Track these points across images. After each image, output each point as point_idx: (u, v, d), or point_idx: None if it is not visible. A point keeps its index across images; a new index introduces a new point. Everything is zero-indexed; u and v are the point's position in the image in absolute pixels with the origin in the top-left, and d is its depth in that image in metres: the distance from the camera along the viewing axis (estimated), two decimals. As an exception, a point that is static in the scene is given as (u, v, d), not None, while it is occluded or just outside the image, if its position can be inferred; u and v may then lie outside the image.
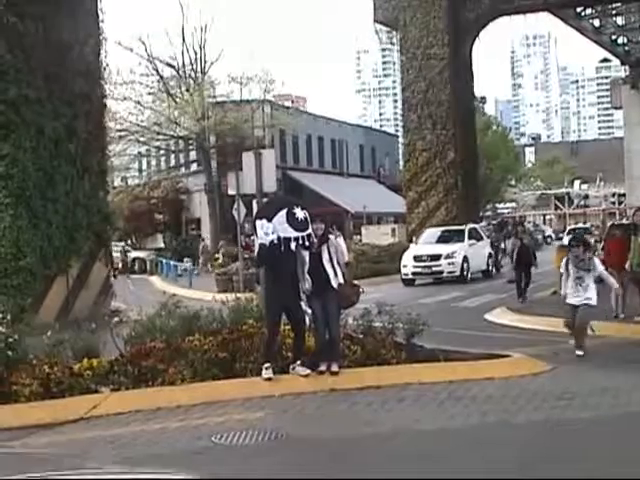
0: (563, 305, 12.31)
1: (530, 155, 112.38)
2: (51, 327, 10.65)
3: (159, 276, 38.55)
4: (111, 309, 18.18)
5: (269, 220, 9.76)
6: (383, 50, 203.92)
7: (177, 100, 45.40)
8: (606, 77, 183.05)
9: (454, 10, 37.26)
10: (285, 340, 10.26)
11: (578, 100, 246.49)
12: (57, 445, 7.86)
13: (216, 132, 45.33)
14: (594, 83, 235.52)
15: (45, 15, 17.00)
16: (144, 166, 57.69)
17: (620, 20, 49.72)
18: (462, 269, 27.88)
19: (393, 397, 9.11)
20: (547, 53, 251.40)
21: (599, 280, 12.43)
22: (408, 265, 28.20)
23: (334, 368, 9.87)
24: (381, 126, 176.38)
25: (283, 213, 9.74)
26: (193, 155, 51.11)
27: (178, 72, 47.16)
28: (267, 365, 9.63)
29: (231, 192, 24.36)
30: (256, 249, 10.66)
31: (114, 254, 35.38)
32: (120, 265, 40.69)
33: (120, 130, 43.03)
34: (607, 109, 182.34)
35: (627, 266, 15.28)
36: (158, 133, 47.36)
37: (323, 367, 9.91)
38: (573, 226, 57.31)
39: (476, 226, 32.34)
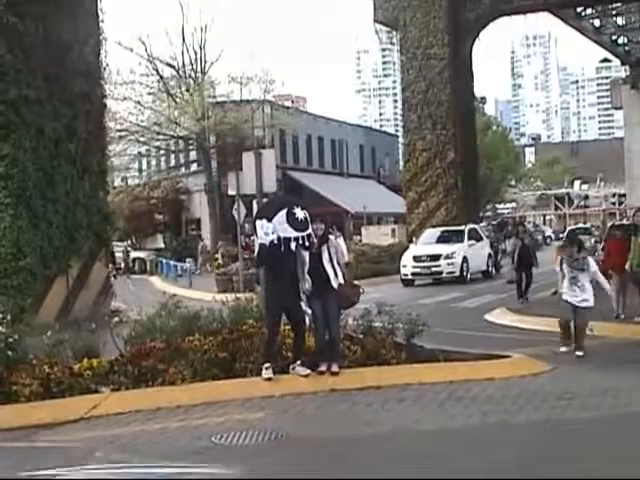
0: (559, 302, 12.34)
1: (530, 155, 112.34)
2: (51, 327, 10.65)
3: (159, 276, 38.56)
4: (111, 309, 18.18)
5: (269, 220, 9.76)
6: (383, 50, 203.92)
7: (177, 100, 45.40)
8: (606, 77, 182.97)
9: (454, 10, 37.26)
10: (285, 340, 10.25)
11: (578, 100, 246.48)
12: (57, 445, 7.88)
13: (216, 132, 45.33)
14: (594, 83, 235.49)
15: (45, 15, 17.00)
16: (144, 166, 57.68)
17: (620, 20, 49.74)
18: (462, 269, 27.88)
19: (393, 397, 9.10)
20: (547, 53, 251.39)
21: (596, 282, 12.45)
22: (408, 265, 28.20)
23: (334, 368, 9.87)
24: (381, 126, 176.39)
25: (283, 213, 9.74)
26: (193, 155, 51.11)
27: (178, 72, 47.16)
28: (267, 365, 9.63)
29: (231, 192, 24.40)
30: (256, 249, 10.65)
31: (116, 254, 35.59)
32: (122, 265, 40.74)
33: (120, 130, 43.02)
34: (607, 109, 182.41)
35: (627, 267, 15.30)
36: (158, 133, 47.36)
37: (323, 367, 9.90)
38: (573, 226, 57.42)
39: (476, 226, 32.34)
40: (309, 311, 10.01)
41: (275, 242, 9.66)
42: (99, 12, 19.10)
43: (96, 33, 18.98)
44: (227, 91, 47.14)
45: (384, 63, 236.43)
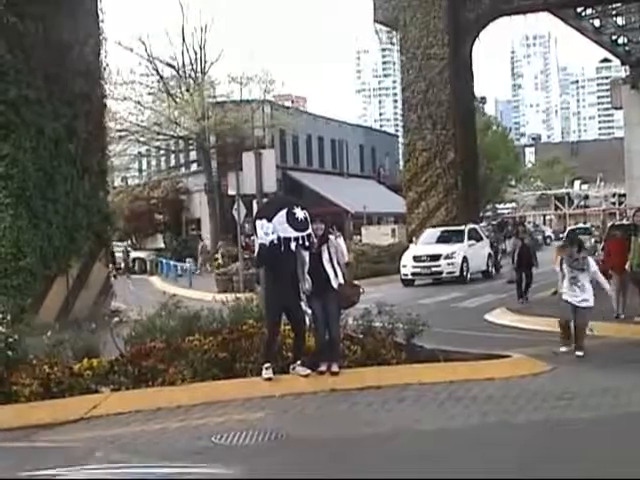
0: (559, 302, 12.34)
1: (530, 155, 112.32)
2: (51, 327, 10.64)
3: (159, 276, 38.57)
4: (111, 309, 18.18)
5: (269, 220, 9.76)
6: (383, 50, 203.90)
7: (177, 100, 45.41)
8: (606, 77, 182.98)
9: (454, 10, 37.26)
10: (285, 340, 10.25)
11: (578, 100, 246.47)
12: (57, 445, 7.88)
13: (216, 132, 45.33)
14: (594, 83, 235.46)
15: (45, 15, 17.00)
16: (144, 166, 57.68)
17: (620, 20, 49.75)
18: (462, 269, 27.87)
19: (393, 397, 9.10)
20: (547, 53, 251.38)
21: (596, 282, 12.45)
22: (407, 265, 28.19)
23: (334, 368, 9.87)
24: (381, 126, 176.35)
25: (283, 213, 9.74)
26: (193, 155, 51.11)
27: (178, 72, 47.17)
28: (267, 365, 9.63)
29: (231, 192, 24.40)
30: (256, 249, 10.65)
31: (117, 254, 35.59)
32: (123, 265, 40.76)
33: (120, 130, 43.02)
34: (607, 109, 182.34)
35: (627, 267, 15.30)
36: (158, 133, 47.37)
37: (323, 367, 9.90)
38: (573, 226, 57.40)
39: (476, 226, 32.33)
40: (309, 311, 10.01)
41: (275, 242, 9.66)
42: (99, 12, 19.12)
43: (96, 33, 18.98)
44: (227, 91, 47.23)
45: (384, 63, 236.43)
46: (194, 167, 51.19)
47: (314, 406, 8.98)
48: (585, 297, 12.00)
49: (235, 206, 24.89)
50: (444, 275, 27.73)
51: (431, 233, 31.12)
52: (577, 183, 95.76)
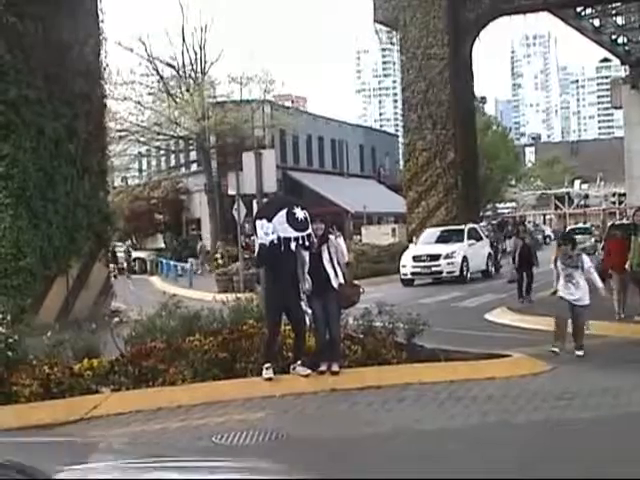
0: (557, 302, 12.33)
1: (530, 155, 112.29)
2: (51, 327, 10.65)
3: (159, 276, 38.57)
4: (111, 309, 18.18)
5: (269, 220, 9.76)
6: (383, 50, 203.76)
7: (177, 100, 45.40)
8: (606, 77, 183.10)
9: (454, 10, 37.26)
10: (285, 340, 10.26)
11: (578, 100, 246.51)
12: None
13: (216, 132, 45.32)
14: (594, 83, 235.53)
15: (45, 15, 17.00)
16: (144, 166, 57.68)
17: (620, 20, 49.76)
18: (461, 269, 27.85)
19: (393, 397, 9.11)
20: (547, 53, 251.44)
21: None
22: (407, 265, 28.18)
23: (335, 368, 9.87)
24: (381, 126, 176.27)
25: (283, 213, 9.74)
26: (193, 155, 51.11)
27: (178, 72, 47.17)
28: (267, 365, 9.64)
29: (231, 192, 24.40)
30: (256, 249, 10.65)
31: (119, 254, 35.59)
32: (125, 265, 40.76)
33: (120, 130, 43.01)
34: (607, 109, 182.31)
35: (627, 266, 15.29)
36: (158, 133, 47.37)
37: (324, 367, 9.91)
38: (573, 226, 57.40)
39: (475, 226, 32.30)
40: (309, 311, 10.02)
41: (275, 242, 9.67)
42: (99, 12, 19.12)
43: (96, 33, 18.99)
44: (227, 91, 47.23)
45: (384, 63, 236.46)
46: (194, 167, 51.20)
47: (314, 406, 8.98)
48: (580, 295, 12.00)
49: (235, 206, 24.89)
50: (444, 275, 27.72)
51: (431, 233, 31.10)
52: (577, 183, 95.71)
